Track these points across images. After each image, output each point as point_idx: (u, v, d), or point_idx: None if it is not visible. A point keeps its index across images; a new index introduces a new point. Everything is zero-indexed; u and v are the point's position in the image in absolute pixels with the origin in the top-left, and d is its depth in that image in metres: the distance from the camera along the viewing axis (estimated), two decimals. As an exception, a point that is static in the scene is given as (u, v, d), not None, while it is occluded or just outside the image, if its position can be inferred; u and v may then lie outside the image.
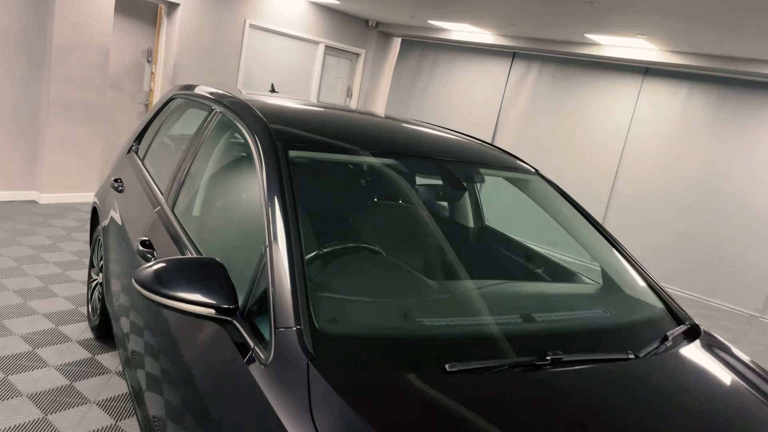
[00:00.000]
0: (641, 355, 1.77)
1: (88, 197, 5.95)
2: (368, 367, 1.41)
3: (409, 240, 2.21)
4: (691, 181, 6.69)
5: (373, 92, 9.18)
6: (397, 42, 9.19)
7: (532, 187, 2.58)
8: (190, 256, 1.89)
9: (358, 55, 8.86)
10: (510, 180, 2.61)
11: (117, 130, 6.56)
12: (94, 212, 3.52)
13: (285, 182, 1.78)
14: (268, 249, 1.63)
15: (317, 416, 1.26)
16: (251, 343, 1.51)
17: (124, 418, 2.68)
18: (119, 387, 2.91)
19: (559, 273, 2.53)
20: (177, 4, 6.46)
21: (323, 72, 8.37)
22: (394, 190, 2.44)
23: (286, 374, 1.38)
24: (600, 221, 6.97)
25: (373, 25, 8.75)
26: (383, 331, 1.60)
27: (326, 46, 8.25)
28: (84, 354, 3.16)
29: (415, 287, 1.90)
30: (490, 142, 2.76)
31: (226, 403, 1.47)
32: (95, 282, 3.34)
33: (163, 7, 6.63)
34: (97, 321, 3.24)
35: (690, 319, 2.18)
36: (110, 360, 3.14)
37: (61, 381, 2.87)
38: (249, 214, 1.88)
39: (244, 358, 1.49)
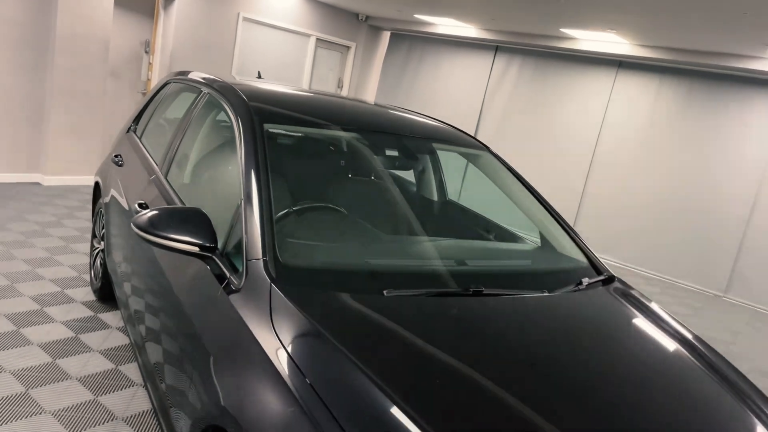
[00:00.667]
0: (554, 292, 2.14)
1: (89, 180, 6.30)
2: (319, 288, 1.77)
3: (367, 202, 2.58)
4: (661, 169, 7.06)
5: (364, 84, 9.52)
6: (386, 35, 9.53)
7: (483, 161, 2.95)
8: (179, 206, 2.25)
9: (348, 47, 9.20)
10: (463, 155, 2.98)
11: (116, 117, 6.90)
12: (96, 188, 3.87)
13: (259, 149, 2.14)
14: (243, 201, 1.99)
15: (276, 322, 1.63)
16: (227, 274, 1.87)
17: (124, 364, 3.04)
18: (119, 339, 3.27)
19: (504, 235, 2.89)
20: (173, -2, 6.79)
21: (315, 64, 8.71)
22: (358, 160, 2.81)
23: (253, 294, 1.74)
24: (576, 208, 7.37)
25: (363, 18, 9.09)
26: (334, 265, 1.97)
27: (317, 38, 8.59)
28: (87, 312, 3.52)
29: (366, 236, 2.27)
30: (449, 123, 3.12)
31: (208, 321, 1.84)
32: (97, 250, 3.70)
33: (160, 0, 6.96)
34: (99, 284, 3.60)
35: (608, 271, 2.54)
36: (111, 318, 3.50)
37: (68, 333, 3.23)
38: (229, 176, 2.24)
39: (222, 285, 1.86)
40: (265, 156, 2.13)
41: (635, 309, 2.26)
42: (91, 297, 3.72)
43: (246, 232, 1.89)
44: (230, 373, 1.61)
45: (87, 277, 3.99)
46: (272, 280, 1.75)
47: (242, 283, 1.80)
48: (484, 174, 2.98)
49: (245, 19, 7.59)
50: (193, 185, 2.55)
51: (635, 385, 1.70)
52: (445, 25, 8.28)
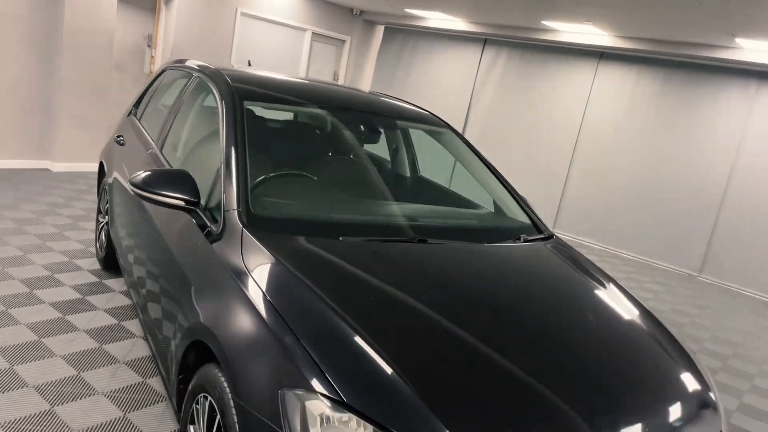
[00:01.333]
0: (493, 244, 2.50)
1: (95, 166, 6.68)
2: (283, 233, 2.13)
3: (334, 169, 2.94)
4: (639, 155, 7.38)
5: (359, 77, 9.87)
6: (380, 29, 9.86)
7: (446, 138, 3.29)
8: (168, 168, 2.61)
9: (343, 41, 9.54)
10: (428, 132, 3.33)
11: (121, 108, 7.27)
12: (101, 168, 4.24)
13: (238, 121, 2.50)
14: (222, 164, 2.35)
15: (245, 257, 1.99)
16: (208, 224, 2.23)
17: (125, 320, 3.41)
18: (122, 300, 3.64)
19: (462, 203, 3.23)
20: (174, -6, 7.15)
21: (311, 57, 9.06)
22: (328, 134, 3.18)
23: (229, 237, 2.10)
24: (560, 193, 7.70)
25: (358, 13, 9.43)
26: (297, 216, 2.33)
27: (313, 33, 8.93)
28: (93, 279, 3.89)
29: (329, 196, 2.63)
30: (418, 105, 3.48)
31: (191, 262, 2.20)
32: (102, 223, 4.07)
33: (161, -3, 7.33)
34: (104, 254, 3.97)
35: (549, 231, 2.90)
36: (114, 284, 3.87)
37: (76, 295, 3.61)
38: (213, 146, 2.59)
39: (203, 233, 2.22)
40: (243, 127, 2.49)
41: (563, 257, 2.61)
42: (97, 266, 4.10)
43: (224, 189, 2.26)
44: (208, 298, 1.98)
45: (93, 250, 4.36)
46: (244, 225, 2.11)
47: (220, 229, 2.16)
48: (446, 150, 3.33)
49: (243, 14, 7.94)
50: (182, 155, 2.92)
51: (547, 306, 2.08)
52: (435, 18, 8.61)
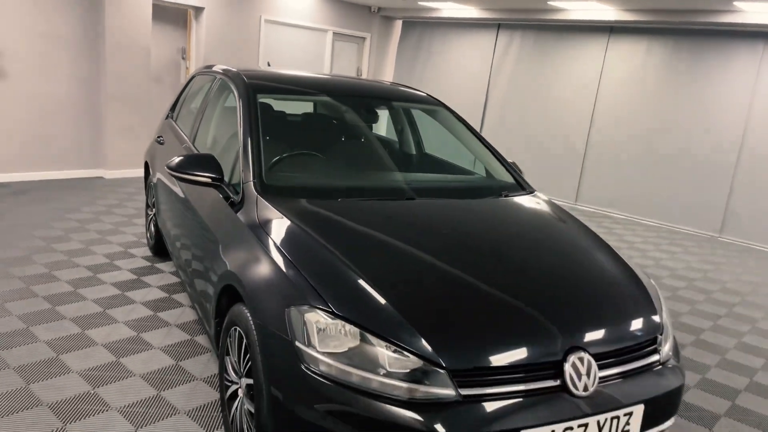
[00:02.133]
0: (476, 199, 2.91)
1: (142, 172, 7.33)
2: (291, 197, 2.59)
3: (338, 147, 3.40)
4: (655, 123, 7.57)
5: (381, 71, 10.30)
6: (398, 24, 10.27)
7: (440, 115, 3.71)
8: (197, 152, 3.11)
9: (364, 38, 9.99)
10: (423, 110, 3.75)
11: (161, 116, 7.92)
12: (146, 167, 4.81)
13: (252, 111, 2.98)
14: (241, 147, 2.83)
15: (260, 217, 2.46)
16: (231, 195, 2.71)
17: (176, 294, 3.95)
18: (171, 279, 4.19)
19: (457, 171, 3.64)
20: (202, 8, 7.75)
21: (334, 56, 9.55)
22: (332, 117, 3.64)
23: (247, 204, 2.58)
24: (579, 168, 7.96)
25: (375, 10, 9.86)
26: (303, 184, 2.79)
27: (334, 33, 9.42)
28: (146, 263, 4.46)
29: (332, 168, 3.09)
30: (416, 88, 3.91)
31: (219, 226, 2.69)
32: (150, 216, 4.64)
33: (191, 12, 7.93)
34: (153, 242, 4.53)
35: (531, 188, 3.28)
36: (164, 266, 4.43)
37: (132, 276, 4.18)
38: (234, 133, 3.08)
39: (228, 202, 2.70)
40: (257, 116, 2.97)
41: (536, 206, 3.01)
42: (149, 253, 4.67)
43: (242, 167, 2.74)
44: (233, 251, 2.46)
45: (145, 240, 4.95)
46: (258, 193, 2.59)
47: (240, 198, 2.64)
48: (442, 125, 3.74)
49: (267, 21, 8.49)
50: (210, 144, 3.42)
51: (514, 239, 2.50)
52: (449, 8, 8.96)
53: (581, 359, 2.00)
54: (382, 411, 1.83)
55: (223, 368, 2.50)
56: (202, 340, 3.37)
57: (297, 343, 1.94)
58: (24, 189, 6.23)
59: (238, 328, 2.30)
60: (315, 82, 3.52)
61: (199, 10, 7.82)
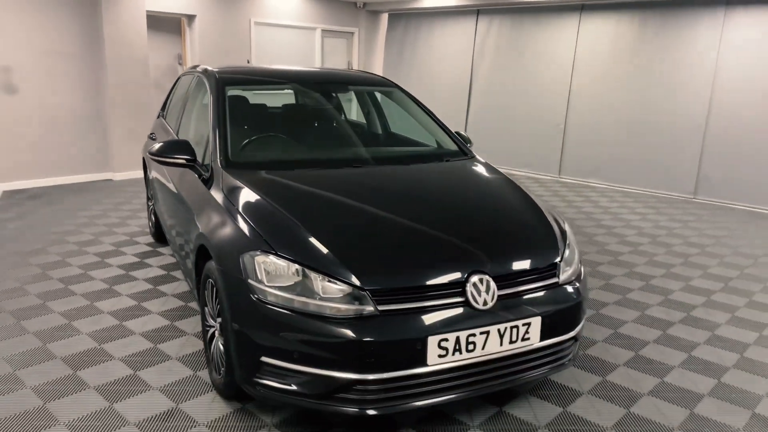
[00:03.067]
0: (418, 164, 3.37)
1: (148, 172, 7.87)
2: (251, 170, 3.06)
3: (297, 127, 3.87)
4: (628, 93, 7.92)
5: (371, 63, 10.74)
6: (384, 17, 10.69)
7: (395, 95, 4.15)
8: (174, 138, 3.59)
9: (352, 33, 10.43)
10: (381, 92, 4.20)
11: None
12: (144, 163, 5.32)
13: (220, 101, 3.45)
14: (210, 132, 3.30)
15: (223, 186, 2.93)
16: (203, 173, 3.19)
17: (173, 271, 4.45)
18: (169, 260, 4.70)
19: (412, 144, 4.08)
20: (194, 15, 8.26)
21: (324, 52, 10.00)
22: (294, 102, 4.11)
23: (214, 179, 3.05)
24: (561, 141, 8.33)
25: (361, 5, 10.29)
26: (262, 158, 3.26)
27: (322, 30, 9.87)
28: (148, 248, 4.97)
29: (294, 146, 3.56)
30: (372, 72, 4.37)
31: (194, 199, 3.17)
32: (151, 206, 5.15)
33: (184, 20, 8.45)
34: (154, 229, 5.05)
35: (471, 153, 3.72)
36: (164, 250, 4.94)
37: (135, 259, 4.69)
38: (205, 122, 3.55)
39: (200, 179, 3.18)
40: (225, 105, 3.44)
41: (470, 166, 3.47)
42: (151, 240, 5.19)
43: (211, 149, 3.22)
44: (203, 217, 2.94)
45: (147, 230, 5.47)
46: (223, 167, 3.06)
47: (209, 174, 3.12)
48: (397, 104, 4.19)
49: (257, 23, 8.98)
50: (191, 134, 3.91)
51: (443, 191, 3.00)
52: (429, -1, 9.36)
53: (481, 280, 2.44)
54: (318, 326, 2.29)
55: (203, 316, 2.98)
56: (195, 305, 3.86)
57: (249, 281, 2.41)
58: (39, 194, 6.80)
59: (210, 280, 2.78)
60: (279, 74, 3.98)
61: (191, 17, 8.33)
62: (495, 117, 9.34)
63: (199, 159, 3.33)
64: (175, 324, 3.58)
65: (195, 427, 2.59)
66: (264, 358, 2.37)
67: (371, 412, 2.33)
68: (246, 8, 8.80)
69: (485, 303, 2.43)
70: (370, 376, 2.29)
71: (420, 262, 2.47)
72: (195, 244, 2.97)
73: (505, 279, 2.53)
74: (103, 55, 7.30)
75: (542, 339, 2.56)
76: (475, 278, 2.45)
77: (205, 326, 2.95)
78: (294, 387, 2.35)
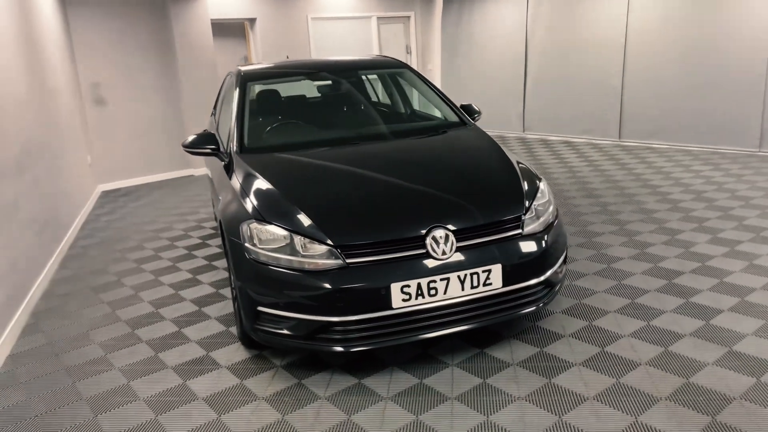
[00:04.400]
0: (418, 137, 3.74)
1: (224, 166, 8.67)
2: (261, 153, 3.55)
3: (312, 114, 4.31)
4: (686, 46, 7.65)
5: (428, 46, 10.98)
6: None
7: (406, 75, 4.49)
8: (201, 132, 4.13)
9: (408, 17, 10.72)
10: (395, 73, 4.55)
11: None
12: (206, 157, 5.99)
13: (240, 95, 3.96)
14: (231, 123, 3.82)
15: (235, 169, 3.44)
16: (225, 159, 3.72)
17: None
18: (227, 240, 5.33)
19: (426, 119, 4.39)
20: (255, 19, 8.93)
21: (381, 39, 10.38)
22: (315, 92, 4.54)
23: (231, 163, 3.56)
24: (619, 104, 8.23)
25: (415, -11, 10.54)
26: (272, 144, 3.74)
27: (378, 17, 10.25)
28: (211, 232, 5.65)
29: (302, 130, 4.01)
30: (386, 55, 4.72)
31: (219, 185, 3.70)
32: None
33: (247, 23, 9.15)
34: (215, 215, 5.72)
35: (471, 123, 3.99)
36: (224, 231, 5.60)
37: (198, 242, 5.37)
38: (231, 114, 4.08)
39: (223, 164, 3.71)
40: (244, 99, 3.95)
41: (465, 133, 3.77)
42: (215, 224, 5.87)
43: (230, 138, 3.74)
44: (222, 195, 3.46)
45: (213, 217, 6.17)
46: (237, 153, 3.57)
47: (228, 160, 3.64)
48: (409, 84, 4.53)
49: (313, 18, 9.52)
50: (224, 125, 4.47)
51: (426, 157, 3.40)
52: (479, -25, 9.45)
53: (439, 233, 2.77)
54: (299, 279, 2.73)
55: (230, 280, 3.51)
56: (239, 276, 4.43)
57: (246, 244, 2.89)
58: (129, 192, 7.77)
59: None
60: (299, 66, 4.45)
61: (252, 20, 9.01)
62: (552, 86, 9.30)
63: (223, 148, 3.86)
64: (220, 291, 4.16)
65: (219, 368, 3.12)
66: (260, 308, 2.84)
67: (339, 349, 2.74)
68: (302, 5, 9.36)
69: (444, 253, 2.75)
70: (343, 318, 2.69)
71: (385, 220, 2.84)
72: (218, 218, 3.50)
73: (465, 231, 2.84)
74: (176, 64, 8.13)
75: (506, 284, 2.84)
76: (435, 232, 2.78)
77: (231, 287, 3.48)
78: (285, 330, 2.81)
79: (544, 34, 9.26)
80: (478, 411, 2.60)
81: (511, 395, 2.70)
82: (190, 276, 4.50)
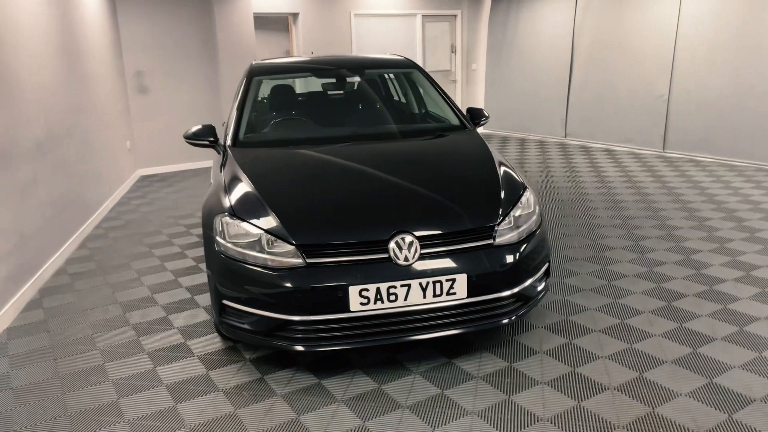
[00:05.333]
0: (411, 139, 3.69)
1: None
2: (252, 148, 3.59)
3: (310, 109, 4.32)
4: (737, 57, 7.23)
5: (474, 45, 10.81)
6: (488, -3, 10.69)
7: (414, 76, 4.44)
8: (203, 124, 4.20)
9: (455, 15, 10.59)
10: (402, 73, 4.51)
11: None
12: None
13: (244, 89, 4.02)
14: (230, 116, 3.88)
15: (226, 162, 3.48)
16: (220, 151, 3.78)
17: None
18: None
19: (426, 120, 4.33)
20: (297, 13, 9.04)
21: (425, 37, 10.30)
22: (317, 89, 4.55)
23: (223, 156, 3.62)
24: (665, 113, 7.89)
25: (463, -12, 10.40)
26: (267, 139, 3.77)
27: (423, 15, 10.17)
28: (227, 221, 5.77)
29: (302, 129, 4.02)
30: (400, 55, 4.66)
31: (214, 174, 3.77)
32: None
33: (290, 18, 9.27)
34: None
35: (470, 127, 3.91)
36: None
37: (213, 230, 5.49)
38: (232, 107, 4.14)
39: (219, 154, 3.77)
40: (247, 93, 4.00)
41: (461, 138, 3.70)
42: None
43: (225, 130, 3.80)
44: (211, 186, 3.52)
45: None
46: (229, 147, 3.62)
47: (223, 152, 3.70)
48: (416, 83, 4.48)
49: (356, 15, 9.54)
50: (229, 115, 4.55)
51: (408, 161, 3.39)
52: (526, -25, 9.22)
53: (403, 239, 2.72)
54: (260, 274, 2.75)
55: (215, 271, 3.57)
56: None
57: (216, 237, 2.93)
58: (166, 177, 8.03)
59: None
60: (308, 63, 4.47)
61: (295, 15, 9.12)
62: (596, 93, 8.99)
63: (222, 141, 3.93)
64: (217, 281, 4.24)
65: (191, 357, 3.18)
66: (224, 301, 2.88)
67: (299, 348, 2.74)
68: (346, 1, 9.40)
69: (406, 259, 2.71)
70: (302, 318, 2.69)
71: (348, 224, 2.81)
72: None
73: (431, 239, 2.78)
74: (217, 55, 8.33)
75: (472, 295, 2.77)
76: (398, 237, 2.73)
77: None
78: (246, 326, 2.83)
79: (592, 39, 8.96)
80: (426, 422, 2.55)
81: (464, 409, 2.63)
82: (193, 264, 4.61)
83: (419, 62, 10.27)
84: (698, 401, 2.61)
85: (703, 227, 4.98)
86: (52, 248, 4.60)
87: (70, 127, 5.32)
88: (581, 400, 2.65)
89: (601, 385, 2.76)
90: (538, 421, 2.52)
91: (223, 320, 2.93)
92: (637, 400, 2.63)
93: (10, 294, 3.79)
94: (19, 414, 2.73)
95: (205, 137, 3.85)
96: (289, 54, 9.34)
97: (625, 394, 2.68)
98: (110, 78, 7.05)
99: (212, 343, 3.33)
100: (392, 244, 2.72)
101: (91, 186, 5.81)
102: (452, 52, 10.74)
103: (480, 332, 3.25)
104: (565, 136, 9.62)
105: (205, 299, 3.91)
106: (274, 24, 9.16)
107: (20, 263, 3.97)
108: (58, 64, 5.15)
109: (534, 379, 2.83)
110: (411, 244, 2.73)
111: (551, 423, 2.50)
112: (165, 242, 5.19)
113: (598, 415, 2.54)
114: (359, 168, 3.28)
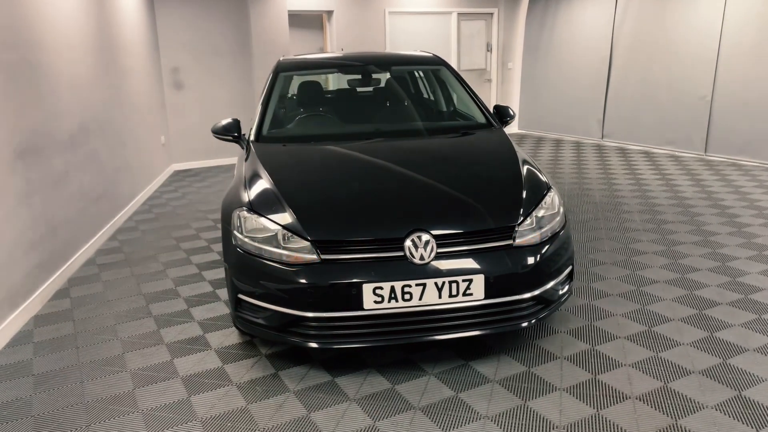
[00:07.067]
0: (436, 137, 3.66)
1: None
2: (274, 143, 3.59)
3: (335, 106, 4.29)
4: (784, 59, 6.93)
5: (510, 44, 10.65)
6: (525, -5, 10.51)
7: (442, 73, 4.38)
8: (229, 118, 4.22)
9: (491, 14, 10.45)
10: (429, 70, 4.45)
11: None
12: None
13: (270, 85, 4.02)
14: (256, 111, 3.89)
15: (248, 157, 3.49)
16: (243, 146, 3.79)
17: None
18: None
19: (452, 118, 4.26)
20: (332, 11, 9.06)
21: (460, 35, 10.19)
22: (344, 85, 4.53)
23: (246, 151, 3.63)
24: (707, 115, 7.64)
25: (500, -14, 10.25)
26: (290, 135, 3.76)
27: (458, 13, 10.06)
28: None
29: (326, 125, 4.00)
30: (427, 51, 4.63)
31: (238, 168, 3.78)
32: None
33: (324, 15, 9.29)
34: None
35: (497, 125, 3.82)
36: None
37: (240, 224, 5.53)
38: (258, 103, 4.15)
39: (243, 150, 3.79)
40: (273, 88, 4.00)
41: (486, 136, 3.64)
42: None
43: (251, 126, 3.81)
44: (232, 180, 3.53)
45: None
46: (252, 142, 3.63)
47: (246, 148, 3.70)
48: (444, 81, 4.41)
49: (391, 12, 9.50)
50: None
51: (430, 159, 3.36)
52: (565, -28, 9.03)
53: (419, 237, 2.67)
54: (275, 270, 2.74)
55: (235, 265, 3.59)
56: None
57: (234, 231, 2.94)
58: (199, 172, 8.14)
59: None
60: (334, 59, 4.45)
61: (329, 13, 9.14)
62: (635, 93, 8.75)
63: (247, 135, 3.94)
64: (239, 275, 4.26)
65: (208, 350, 3.19)
66: (240, 296, 2.88)
67: (313, 345, 2.71)
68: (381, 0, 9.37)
69: (422, 258, 2.66)
70: (315, 314, 2.67)
71: (364, 221, 2.78)
72: None
73: (447, 238, 2.72)
74: (251, 52, 8.40)
75: (489, 297, 2.70)
76: (414, 236, 2.68)
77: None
78: (260, 320, 2.82)
79: (631, 39, 8.71)
80: (437, 425, 2.49)
81: (477, 413, 2.56)
82: (217, 258, 4.65)
83: (454, 61, 10.17)
84: (725, 414, 2.49)
85: (742, 233, 4.78)
86: (83, 239, 4.70)
87: (104, 122, 5.42)
88: (600, 409, 2.56)
89: (622, 393, 2.66)
90: (553, 428, 2.44)
91: (238, 314, 2.93)
92: (660, 411, 2.52)
93: (41, 282, 3.87)
94: (37, 400, 2.78)
95: (229, 131, 3.87)
96: (322, 50, 9.37)
97: (648, 404, 2.57)
98: (146, 74, 7.18)
99: (230, 337, 3.33)
100: (408, 243, 2.67)
101: (124, 179, 5.92)
102: (488, 50, 10.60)
103: (499, 335, 3.17)
104: (602, 138, 9.39)
105: (226, 293, 3.93)
106: (308, 22, 9.19)
107: (51, 251, 4.06)
108: (93, 60, 5.26)
109: (552, 385, 2.74)
110: (427, 242, 2.68)
111: (566, 431, 2.42)
112: (192, 236, 5.25)
113: (617, 425, 2.44)
114: (379, 165, 3.24)
